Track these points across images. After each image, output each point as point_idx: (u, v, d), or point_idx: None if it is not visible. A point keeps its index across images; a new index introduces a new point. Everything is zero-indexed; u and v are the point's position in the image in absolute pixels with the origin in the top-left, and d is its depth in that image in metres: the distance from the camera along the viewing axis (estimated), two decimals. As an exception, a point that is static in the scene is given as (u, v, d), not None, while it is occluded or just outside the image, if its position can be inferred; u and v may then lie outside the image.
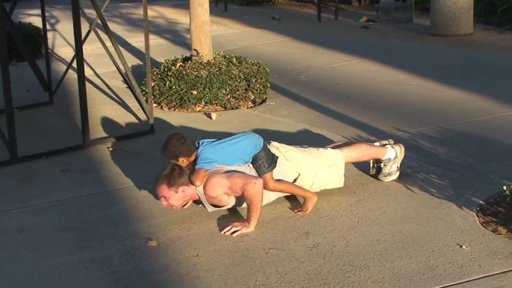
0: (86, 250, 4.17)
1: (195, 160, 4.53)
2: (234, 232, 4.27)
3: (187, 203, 4.64)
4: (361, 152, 4.99)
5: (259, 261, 3.92)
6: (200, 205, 4.58)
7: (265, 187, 4.46)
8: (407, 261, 3.85)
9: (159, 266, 3.92)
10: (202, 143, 4.62)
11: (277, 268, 3.83)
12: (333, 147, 5.01)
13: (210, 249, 4.10)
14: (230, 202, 4.51)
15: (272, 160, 4.58)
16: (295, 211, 4.54)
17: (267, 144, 4.72)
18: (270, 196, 4.62)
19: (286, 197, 4.77)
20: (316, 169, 4.73)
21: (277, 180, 4.54)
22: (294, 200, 4.73)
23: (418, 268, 3.77)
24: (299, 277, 3.73)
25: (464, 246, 3.98)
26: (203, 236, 4.28)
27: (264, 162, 4.53)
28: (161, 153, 4.57)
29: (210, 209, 4.51)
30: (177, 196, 4.41)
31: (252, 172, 4.52)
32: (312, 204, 4.54)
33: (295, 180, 4.69)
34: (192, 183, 4.41)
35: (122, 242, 4.24)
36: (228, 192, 4.41)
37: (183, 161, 4.50)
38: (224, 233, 4.28)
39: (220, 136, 6.19)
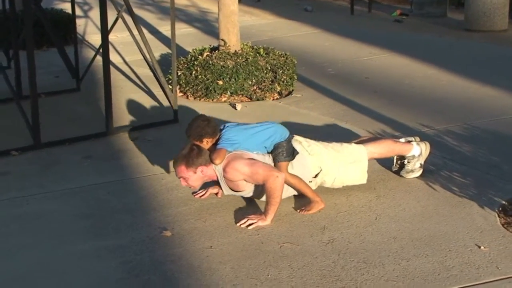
0: (101, 238, 4.17)
1: (217, 140, 4.50)
2: (250, 224, 4.24)
3: (218, 192, 4.65)
4: (386, 148, 4.92)
5: (272, 255, 3.88)
6: (216, 191, 4.56)
7: None
8: (423, 260, 3.78)
9: (172, 256, 3.91)
10: (226, 126, 4.60)
11: (290, 263, 3.79)
12: (357, 143, 4.94)
13: (224, 241, 4.07)
14: (248, 188, 4.47)
15: (292, 153, 4.53)
16: (298, 210, 4.46)
17: (291, 137, 4.67)
18: (290, 191, 4.56)
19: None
20: (339, 165, 4.67)
21: (292, 175, 4.48)
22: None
23: (433, 268, 3.70)
24: (311, 272, 3.69)
25: (482, 247, 3.90)
26: (218, 228, 4.25)
27: (284, 151, 4.49)
28: (186, 134, 4.54)
29: (227, 191, 4.49)
30: (196, 177, 4.38)
31: (270, 161, 4.48)
32: (317, 208, 4.45)
33: (316, 175, 4.63)
34: (212, 161, 4.37)
35: (138, 231, 4.23)
36: (248, 180, 4.38)
37: (207, 142, 4.47)
38: (240, 225, 4.26)
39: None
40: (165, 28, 11.28)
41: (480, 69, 8.29)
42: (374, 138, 5.16)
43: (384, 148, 4.91)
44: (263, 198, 4.44)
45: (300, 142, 4.69)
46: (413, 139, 5.07)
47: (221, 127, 4.59)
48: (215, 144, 4.49)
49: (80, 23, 11.48)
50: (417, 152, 4.94)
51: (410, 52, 9.20)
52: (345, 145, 4.82)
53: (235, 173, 4.36)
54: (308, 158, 4.62)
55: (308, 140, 4.75)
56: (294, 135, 4.76)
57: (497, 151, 5.40)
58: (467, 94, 7.16)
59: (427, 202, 4.53)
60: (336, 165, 4.66)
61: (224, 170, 4.39)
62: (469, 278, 3.60)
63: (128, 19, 6.60)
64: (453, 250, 3.88)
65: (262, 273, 3.70)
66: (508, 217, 4.30)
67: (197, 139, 4.47)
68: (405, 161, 4.95)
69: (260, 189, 4.43)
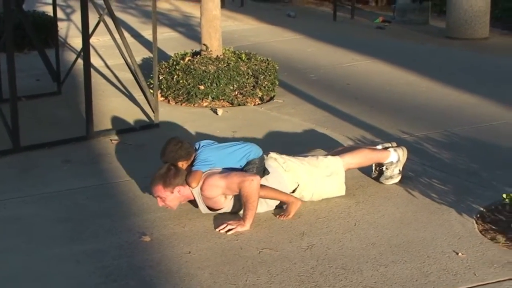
0: (79, 243, 4.15)
1: (193, 161, 4.50)
2: (229, 230, 4.24)
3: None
4: (363, 158, 4.93)
5: (251, 261, 3.88)
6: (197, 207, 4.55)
7: None
8: (401, 267, 3.80)
9: (151, 261, 3.90)
10: (201, 145, 4.59)
11: (269, 269, 3.79)
12: (333, 154, 4.95)
13: (203, 247, 4.06)
14: (226, 205, 4.46)
15: (262, 171, 4.53)
16: (277, 216, 4.45)
17: (267, 155, 4.70)
18: (270, 204, 4.56)
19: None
20: (316, 179, 4.67)
21: (261, 186, 4.41)
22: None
23: (411, 274, 3.72)
24: (290, 278, 3.69)
25: (460, 253, 3.92)
26: (197, 233, 4.24)
27: (254, 167, 4.50)
28: (160, 159, 4.54)
29: (205, 211, 4.46)
30: (172, 197, 4.38)
31: None
32: (294, 208, 4.46)
33: (294, 191, 4.63)
34: (188, 184, 4.38)
35: (116, 236, 4.22)
36: (226, 192, 4.37)
37: (182, 165, 4.48)
38: (219, 231, 4.25)
39: (223, 132, 6.21)
40: (147, 32, 11.24)
41: (461, 76, 8.34)
42: (350, 148, 5.14)
43: (361, 158, 4.92)
44: (241, 212, 4.41)
45: (275, 159, 4.69)
46: (390, 145, 5.09)
47: (196, 146, 4.60)
48: (191, 164, 4.49)
49: (62, 26, 11.44)
50: (394, 158, 4.96)
51: (392, 59, 9.24)
52: (321, 158, 4.82)
53: (213, 189, 4.35)
54: (284, 175, 4.61)
55: (283, 156, 4.75)
56: (270, 152, 4.76)
57: (476, 158, 5.43)
58: (447, 101, 7.21)
59: (406, 209, 4.55)
60: (313, 180, 4.66)
61: (201, 189, 4.39)
62: (446, 284, 3.61)
63: (110, 22, 6.58)
64: (431, 257, 3.89)
65: (241, 279, 3.69)
66: (485, 223, 4.32)
67: (172, 162, 4.48)
68: (384, 168, 4.97)
69: (238, 204, 4.42)
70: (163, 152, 4.52)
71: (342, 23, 13.04)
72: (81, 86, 7.37)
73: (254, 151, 4.61)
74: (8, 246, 4.13)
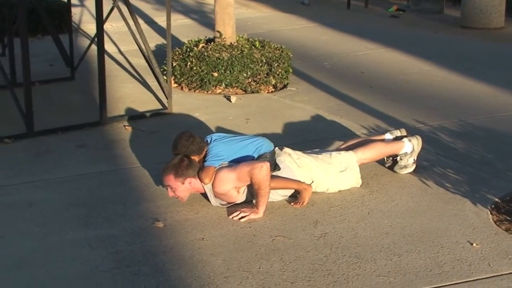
0: (92, 228, 4.15)
1: (205, 156, 4.49)
2: (242, 217, 4.23)
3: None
4: (377, 152, 4.88)
5: (264, 248, 3.87)
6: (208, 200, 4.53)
7: None
8: (415, 256, 3.78)
9: (164, 247, 3.89)
10: (212, 139, 4.57)
11: (282, 256, 3.78)
12: (346, 148, 4.91)
13: (216, 233, 4.06)
14: (240, 198, 4.43)
15: (274, 165, 4.50)
16: (291, 204, 4.44)
17: (281, 150, 4.68)
18: (282, 194, 4.54)
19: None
20: (330, 176, 4.63)
21: (271, 177, 4.36)
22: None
23: (425, 264, 3.70)
24: (303, 266, 3.68)
25: (474, 244, 3.90)
26: (211, 220, 4.24)
27: (266, 159, 4.47)
28: (172, 153, 4.52)
29: (214, 202, 4.44)
30: (183, 188, 4.35)
31: None
32: (308, 195, 4.45)
33: None
34: (201, 180, 4.36)
35: (129, 222, 4.22)
36: (237, 184, 4.34)
37: (194, 159, 4.46)
38: (232, 218, 4.24)
39: (236, 119, 6.20)
40: (161, 19, 11.22)
41: (476, 66, 8.28)
42: (364, 141, 5.04)
43: (375, 152, 4.88)
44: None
45: (289, 155, 4.66)
46: (399, 133, 5.05)
47: (208, 140, 4.57)
48: (204, 157, 4.47)
49: (75, 11, 11.44)
50: (409, 149, 4.92)
51: (406, 48, 9.19)
52: (334, 154, 4.78)
53: (224, 184, 4.33)
54: (297, 171, 4.57)
55: (297, 152, 4.72)
56: (284, 147, 4.74)
57: (491, 148, 5.39)
58: (462, 91, 7.16)
59: (420, 198, 4.52)
60: (328, 177, 4.63)
61: (212, 185, 4.37)
62: (460, 275, 3.59)
63: (124, 8, 6.57)
64: (445, 247, 3.87)
65: (254, 266, 3.68)
66: (500, 214, 4.29)
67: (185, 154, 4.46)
68: (398, 158, 4.94)
69: (251, 197, 4.40)
70: (174, 146, 4.49)
71: (356, 11, 12.97)
72: (94, 72, 7.38)
73: (266, 145, 4.59)
74: (21, 230, 4.14)
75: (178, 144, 4.48)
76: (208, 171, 4.36)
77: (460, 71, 7.94)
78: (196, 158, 4.46)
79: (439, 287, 3.49)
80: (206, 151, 4.49)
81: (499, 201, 4.46)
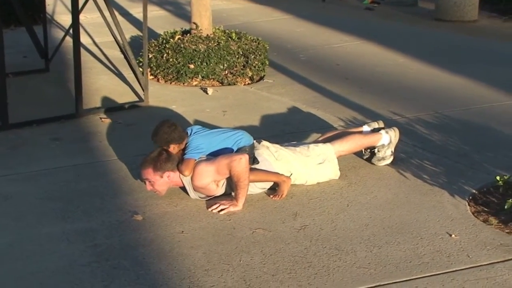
0: (70, 221, 4.11)
1: (184, 148, 4.46)
2: (221, 210, 4.22)
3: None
4: (354, 144, 4.89)
5: (244, 241, 3.86)
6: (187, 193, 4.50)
7: None
8: (395, 248, 3.79)
9: (143, 241, 3.87)
10: (193, 132, 4.55)
11: (262, 249, 3.77)
12: (324, 140, 4.91)
13: (195, 226, 4.04)
14: (219, 191, 4.42)
15: (252, 159, 4.49)
16: (271, 196, 4.44)
17: (259, 143, 4.67)
18: (261, 186, 4.53)
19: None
20: (309, 168, 4.63)
21: (250, 170, 4.35)
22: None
23: (405, 255, 3.71)
24: (283, 258, 3.68)
25: (453, 235, 3.92)
26: (190, 213, 4.22)
27: (245, 152, 4.46)
28: (152, 139, 4.48)
29: (193, 195, 4.42)
30: (161, 181, 4.32)
31: None
32: (286, 187, 4.45)
33: None
34: (181, 172, 4.33)
35: (108, 215, 4.18)
36: (216, 177, 4.32)
37: (174, 148, 4.43)
38: (211, 210, 4.23)
39: (213, 111, 6.17)
40: (135, 10, 11.14)
41: (450, 58, 8.32)
42: (341, 134, 5.04)
43: (352, 144, 4.88)
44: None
45: (267, 148, 4.65)
46: (377, 125, 5.07)
47: (188, 132, 4.55)
48: (183, 150, 4.45)
49: (48, 2, 11.28)
50: (386, 140, 4.94)
51: (381, 40, 9.21)
52: (312, 146, 4.78)
53: (203, 177, 4.31)
54: (275, 164, 4.56)
55: (275, 145, 4.71)
56: (262, 140, 4.73)
57: (467, 140, 5.43)
58: (437, 83, 7.19)
59: (398, 190, 4.54)
60: (306, 169, 4.63)
61: (192, 179, 4.34)
62: (440, 266, 3.61)
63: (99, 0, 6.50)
64: (424, 238, 3.89)
65: (234, 259, 3.67)
66: (478, 206, 4.33)
67: (163, 145, 4.43)
68: (375, 150, 4.95)
69: (230, 190, 4.39)
70: (155, 132, 4.46)
71: (331, 3, 12.97)
72: (69, 63, 7.32)
73: (245, 138, 4.58)
74: (-1, 224, 4.09)
75: (159, 131, 4.44)
76: (188, 164, 4.34)
77: (435, 63, 7.97)
78: (176, 147, 4.43)
79: (419, 278, 3.51)
80: (186, 143, 4.46)
81: (476, 192, 4.49)
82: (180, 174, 4.35)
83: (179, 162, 4.37)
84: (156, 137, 4.45)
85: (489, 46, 9.23)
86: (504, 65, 8.02)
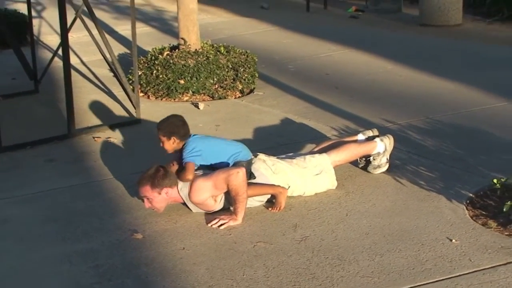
0: (70, 243, 4.10)
1: (182, 149, 4.47)
2: (221, 225, 4.21)
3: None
4: (350, 153, 4.90)
5: (246, 255, 3.86)
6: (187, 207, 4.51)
7: None
8: (397, 255, 3.80)
9: (145, 259, 3.86)
10: (192, 135, 4.58)
11: (265, 262, 3.78)
12: (319, 151, 4.92)
13: (196, 242, 4.03)
14: (217, 207, 4.42)
15: (249, 174, 4.49)
16: (269, 209, 4.44)
17: (255, 157, 4.67)
18: (261, 198, 4.53)
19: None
20: (306, 180, 4.64)
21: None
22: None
23: (407, 263, 3.72)
24: (287, 271, 3.68)
25: (454, 240, 3.94)
26: (190, 229, 4.21)
27: (242, 166, 4.46)
28: (157, 127, 4.52)
29: (195, 209, 4.42)
30: (160, 198, 4.31)
31: None
32: (283, 198, 4.46)
33: None
34: (184, 179, 4.34)
35: (107, 235, 4.17)
36: (214, 192, 4.33)
37: (173, 142, 4.46)
38: (211, 226, 4.22)
39: (206, 125, 6.18)
40: (121, 28, 11.14)
41: (437, 63, 8.37)
42: (337, 143, 5.05)
43: (348, 154, 4.90)
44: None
45: (264, 161, 4.65)
46: (371, 133, 5.09)
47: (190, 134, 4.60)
48: (180, 151, 4.45)
49: (34, 23, 11.26)
50: (381, 148, 4.96)
51: (368, 48, 9.25)
52: (308, 158, 4.78)
53: (200, 193, 4.31)
54: (272, 177, 4.56)
55: (272, 158, 4.72)
56: (258, 154, 4.73)
57: (460, 144, 5.46)
58: (427, 88, 7.23)
59: (396, 197, 4.56)
60: (304, 181, 4.63)
61: (189, 196, 4.34)
62: (443, 271, 3.63)
63: (85, 19, 6.49)
64: (425, 244, 3.91)
65: (238, 273, 3.67)
66: (476, 209, 4.35)
67: (166, 135, 4.47)
68: (371, 158, 4.97)
69: (228, 205, 4.40)
70: (164, 120, 4.53)
71: (316, 13, 13.02)
72: (58, 84, 7.31)
73: (244, 152, 4.59)
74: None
75: (169, 120, 4.52)
76: (189, 168, 4.36)
77: (423, 68, 8.01)
78: (175, 142, 4.46)
79: (423, 284, 3.52)
80: (183, 145, 4.47)
81: (473, 196, 4.52)
82: (179, 188, 4.34)
83: (181, 171, 4.38)
84: (163, 124, 4.51)
85: (475, 49, 9.30)
86: (491, 67, 8.08)
